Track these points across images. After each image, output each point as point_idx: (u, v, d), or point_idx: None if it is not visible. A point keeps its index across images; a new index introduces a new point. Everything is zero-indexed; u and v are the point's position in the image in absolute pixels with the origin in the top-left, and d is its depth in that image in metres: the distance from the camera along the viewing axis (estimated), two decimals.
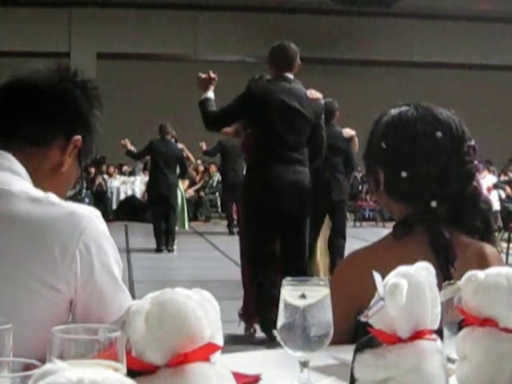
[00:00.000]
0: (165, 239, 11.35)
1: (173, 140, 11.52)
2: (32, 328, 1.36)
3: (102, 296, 1.47)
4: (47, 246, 1.43)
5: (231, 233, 14.10)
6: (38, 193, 1.49)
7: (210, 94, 5.19)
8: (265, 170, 4.97)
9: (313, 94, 5.20)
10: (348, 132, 8.15)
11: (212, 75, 5.25)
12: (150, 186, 11.68)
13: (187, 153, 13.13)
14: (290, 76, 5.13)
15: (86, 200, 17.19)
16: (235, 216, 13.81)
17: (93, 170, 18.79)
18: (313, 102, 5.16)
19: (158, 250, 11.36)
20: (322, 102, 5.29)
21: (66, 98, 1.61)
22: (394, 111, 1.86)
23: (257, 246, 5.05)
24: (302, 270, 5.00)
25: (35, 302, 1.42)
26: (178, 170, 11.29)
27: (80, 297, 1.46)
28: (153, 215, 11.73)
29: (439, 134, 1.79)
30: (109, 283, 1.49)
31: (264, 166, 4.99)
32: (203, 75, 5.27)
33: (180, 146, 12.03)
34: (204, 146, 14.50)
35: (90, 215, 1.50)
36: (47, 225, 1.44)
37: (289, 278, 1.22)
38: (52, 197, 1.49)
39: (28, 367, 0.81)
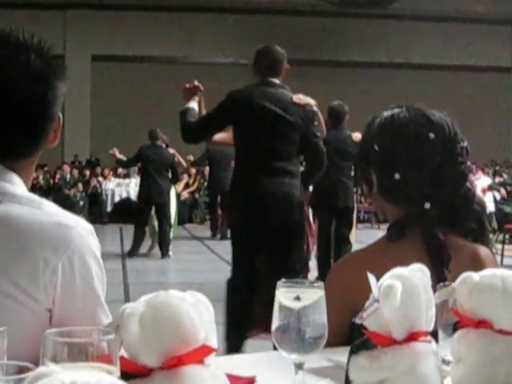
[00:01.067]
0: (159, 245, 11.16)
1: (163, 145, 11.23)
2: (12, 336, 1.34)
3: (80, 313, 1.43)
4: (31, 255, 1.40)
5: (214, 236, 14.03)
6: (31, 197, 1.47)
7: (193, 104, 4.89)
8: (248, 182, 4.62)
9: (301, 99, 4.86)
10: (358, 136, 7.89)
11: (196, 84, 4.99)
12: (141, 193, 11.43)
13: (179, 158, 12.91)
14: (276, 81, 4.80)
15: (81, 203, 17.18)
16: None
17: (88, 173, 18.78)
18: (301, 108, 4.78)
19: (132, 253, 11.05)
20: (315, 108, 4.90)
21: (51, 102, 1.52)
22: (386, 113, 1.87)
23: (237, 266, 4.75)
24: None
25: (16, 309, 1.39)
26: (169, 176, 11.10)
27: (57, 309, 1.43)
28: (140, 220, 11.47)
29: (432, 135, 1.79)
30: (89, 300, 1.46)
31: (247, 177, 4.64)
32: (188, 85, 5.00)
33: (171, 151, 11.75)
34: (192, 158, 14.20)
35: (79, 228, 1.46)
36: (33, 233, 1.41)
37: (283, 280, 1.22)
38: (45, 204, 1.46)
39: (22, 370, 0.80)
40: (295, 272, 4.59)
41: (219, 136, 4.99)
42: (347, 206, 7.70)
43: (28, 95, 1.49)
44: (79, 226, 1.47)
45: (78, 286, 1.44)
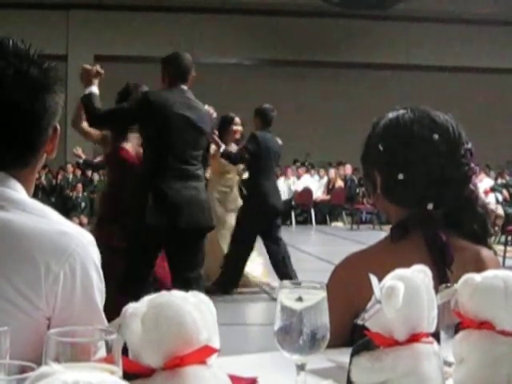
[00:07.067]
0: None
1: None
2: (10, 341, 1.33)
3: (78, 323, 1.41)
4: (33, 262, 1.40)
5: None
6: (34, 204, 1.47)
7: (95, 89, 4.79)
8: (159, 186, 4.71)
9: (209, 109, 5.16)
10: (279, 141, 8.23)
11: (99, 69, 4.82)
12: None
13: None
14: (185, 87, 4.90)
15: (83, 204, 17.16)
16: None
17: (90, 173, 18.77)
18: (209, 116, 5.08)
19: None
20: (214, 114, 5.26)
21: (40, 114, 1.50)
22: (391, 114, 1.87)
23: (136, 264, 4.79)
24: (195, 278, 4.78)
25: (17, 315, 1.39)
26: None
27: (56, 318, 1.43)
28: None
29: (436, 136, 1.80)
30: (87, 311, 1.46)
31: (158, 181, 4.74)
32: (88, 67, 4.82)
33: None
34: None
35: (82, 239, 1.46)
36: (36, 240, 1.41)
37: (286, 281, 1.22)
38: (49, 212, 1.46)
39: (24, 370, 0.80)
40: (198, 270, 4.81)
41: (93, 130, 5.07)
42: (280, 210, 8.08)
43: (14, 107, 1.47)
44: (81, 236, 1.47)
45: (78, 295, 1.44)
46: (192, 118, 4.79)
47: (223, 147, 7.58)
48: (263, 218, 7.86)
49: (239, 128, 8.04)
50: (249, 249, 7.89)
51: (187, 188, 4.74)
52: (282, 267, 7.79)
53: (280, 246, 7.91)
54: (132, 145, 5.04)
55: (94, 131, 5.08)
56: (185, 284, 4.56)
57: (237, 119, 8.01)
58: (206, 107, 5.09)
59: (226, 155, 7.64)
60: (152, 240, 4.73)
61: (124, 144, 5.01)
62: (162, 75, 4.90)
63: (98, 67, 4.83)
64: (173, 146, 4.73)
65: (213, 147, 7.69)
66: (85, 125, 5.09)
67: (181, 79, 4.85)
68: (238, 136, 8.02)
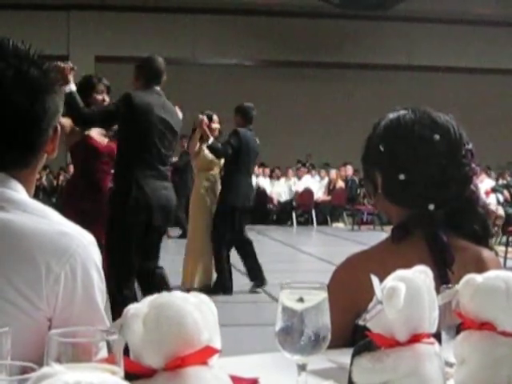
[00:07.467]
0: None
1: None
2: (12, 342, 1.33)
3: (79, 323, 1.41)
4: (34, 263, 1.40)
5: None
6: (35, 205, 1.47)
7: (74, 86, 4.95)
8: (140, 184, 4.95)
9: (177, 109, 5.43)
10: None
11: (71, 65, 4.97)
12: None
13: None
14: (158, 89, 5.17)
15: None
16: None
17: None
18: (179, 120, 5.39)
19: None
20: (180, 115, 5.48)
21: (40, 116, 1.50)
22: (392, 115, 1.87)
23: (127, 263, 5.02)
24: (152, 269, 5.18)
25: (17, 316, 1.39)
26: None
27: (57, 318, 1.43)
28: None
29: (437, 137, 1.80)
30: (88, 311, 1.46)
31: (139, 179, 4.96)
32: (63, 64, 4.89)
33: None
34: None
35: (83, 239, 1.46)
36: (37, 241, 1.41)
37: (287, 281, 1.22)
38: (49, 213, 1.46)
39: (25, 370, 0.80)
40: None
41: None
42: (251, 207, 8.30)
43: (14, 107, 1.47)
44: (82, 237, 1.47)
45: (79, 295, 1.44)
46: (170, 121, 5.10)
47: (211, 139, 7.64)
48: (234, 215, 7.94)
49: (218, 126, 8.11)
50: (225, 245, 7.96)
51: (162, 188, 5.08)
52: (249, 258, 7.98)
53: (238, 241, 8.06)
54: (96, 133, 5.19)
55: (68, 122, 5.11)
56: (148, 274, 5.07)
57: (215, 117, 8.09)
58: (177, 110, 5.35)
59: (212, 148, 7.68)
60: (136, 235, 4.98)
61: (90, 132, 5.17)
62: (135, 76, 5.17)
63: (70, 63, 4.99)
64: (152, 148, 5.01)
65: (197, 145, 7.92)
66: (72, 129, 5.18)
67: (155, 81, 5.15)
68: (216, 134, 8.06)
